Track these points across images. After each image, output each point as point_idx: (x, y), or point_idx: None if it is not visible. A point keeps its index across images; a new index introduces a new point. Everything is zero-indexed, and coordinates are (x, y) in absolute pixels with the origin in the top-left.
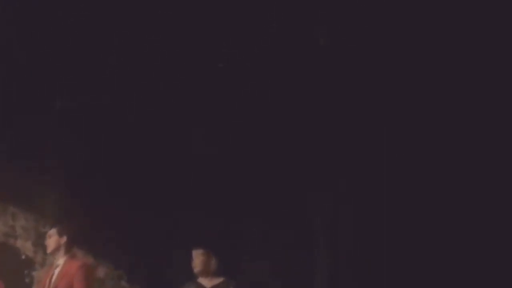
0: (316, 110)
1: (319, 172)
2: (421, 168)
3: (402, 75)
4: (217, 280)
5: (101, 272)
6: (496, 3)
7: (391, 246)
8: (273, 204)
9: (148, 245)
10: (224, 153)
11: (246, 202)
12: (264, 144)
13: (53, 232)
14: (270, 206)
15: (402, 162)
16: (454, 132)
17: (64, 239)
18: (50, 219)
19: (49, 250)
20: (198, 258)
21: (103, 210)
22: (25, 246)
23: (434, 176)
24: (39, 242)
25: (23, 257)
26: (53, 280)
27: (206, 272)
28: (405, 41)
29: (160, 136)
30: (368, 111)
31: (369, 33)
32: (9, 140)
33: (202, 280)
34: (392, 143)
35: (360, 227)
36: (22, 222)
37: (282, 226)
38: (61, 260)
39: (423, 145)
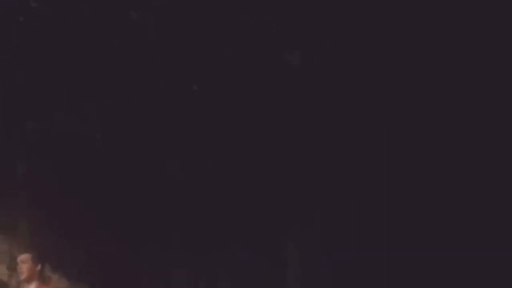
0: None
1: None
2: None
3: (373, 94)
4: None
5: None
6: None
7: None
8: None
9: (125, 270)
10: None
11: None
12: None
13: (26, 258)
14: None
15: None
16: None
17: (39, 267)
18: (24, 242)
19: (22, 277)
20: None
21: (78, 234)
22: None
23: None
24: (14, 265)
25: None
26: None
27: None
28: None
29: (136, 159)
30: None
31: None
32: None
33: None
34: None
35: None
36: None
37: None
38: (32, 285)
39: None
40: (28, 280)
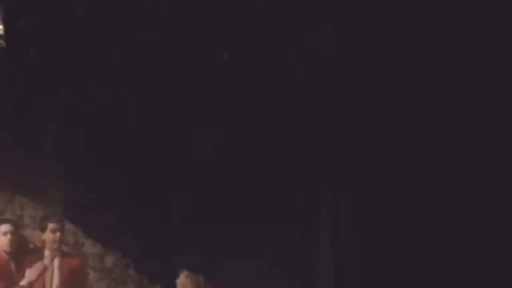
0: (317, 110)
1: (321, 172)
2: (421, 167)
3: (402, 74)
4: None
5: (108, 261)
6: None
7: (393, 246)
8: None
9: (155, 235)
10: (232, 158)
11: (251, 204)
12: (271, 149)
13: (58, 226)
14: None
15: (403, 161)
16: (453, 132)
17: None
18: (58, 208)
19: (60, 244)
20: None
21: (112, 200)
22: (33, 236)
23: (435, 175)
24: None
25: (31, 246)
26: (55, 276)
27: None
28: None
29: (167, 129)
30: (368, 111)
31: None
32: (16, 129)
33: None
34: (393, 141)
35: (361, 227)
36: (30, 212)
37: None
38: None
39: (422, 145)
40: (54, 249)
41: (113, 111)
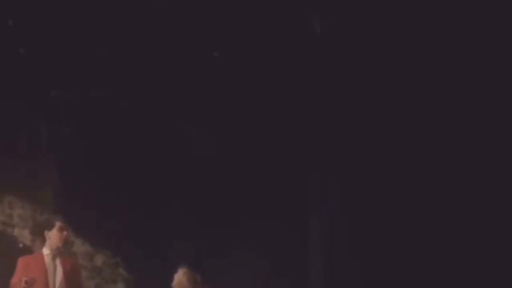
0: (312, 111)
1: (315, 173)
2: (415, 169)
3: (398, 74)
4: None
5: (98, 260)
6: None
7: (385, 247)
8: (270, 204)
9: (145, 234)
10: (222, 153)
11: (243, 198)
12: (261, 144)
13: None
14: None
15: (397, 163)
16: (447, 132)
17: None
18: (47, 207)
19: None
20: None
21: (101, 199)
22: (23, 235)
23: (429, 177)
24: (37, 230)
25: (21, 245)
26: (57, 274)
27: None
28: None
29: (156, 126)
30: (365, 111)
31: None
32: (5, 129)
33: None
34: (386, 143)
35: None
36: (19, 211)
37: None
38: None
39: (414, 146)
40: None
41: (103, 110)
